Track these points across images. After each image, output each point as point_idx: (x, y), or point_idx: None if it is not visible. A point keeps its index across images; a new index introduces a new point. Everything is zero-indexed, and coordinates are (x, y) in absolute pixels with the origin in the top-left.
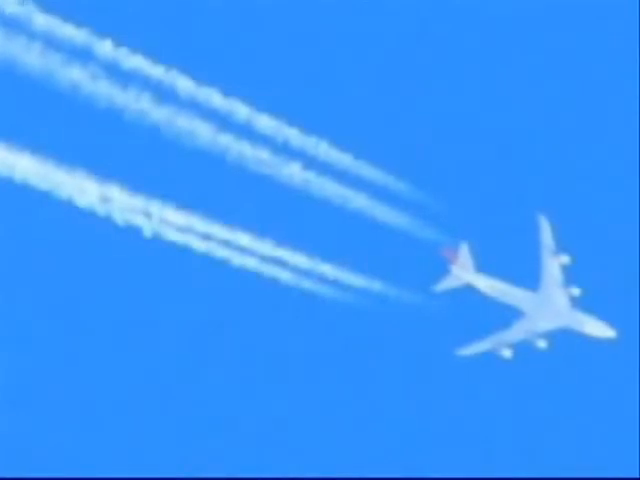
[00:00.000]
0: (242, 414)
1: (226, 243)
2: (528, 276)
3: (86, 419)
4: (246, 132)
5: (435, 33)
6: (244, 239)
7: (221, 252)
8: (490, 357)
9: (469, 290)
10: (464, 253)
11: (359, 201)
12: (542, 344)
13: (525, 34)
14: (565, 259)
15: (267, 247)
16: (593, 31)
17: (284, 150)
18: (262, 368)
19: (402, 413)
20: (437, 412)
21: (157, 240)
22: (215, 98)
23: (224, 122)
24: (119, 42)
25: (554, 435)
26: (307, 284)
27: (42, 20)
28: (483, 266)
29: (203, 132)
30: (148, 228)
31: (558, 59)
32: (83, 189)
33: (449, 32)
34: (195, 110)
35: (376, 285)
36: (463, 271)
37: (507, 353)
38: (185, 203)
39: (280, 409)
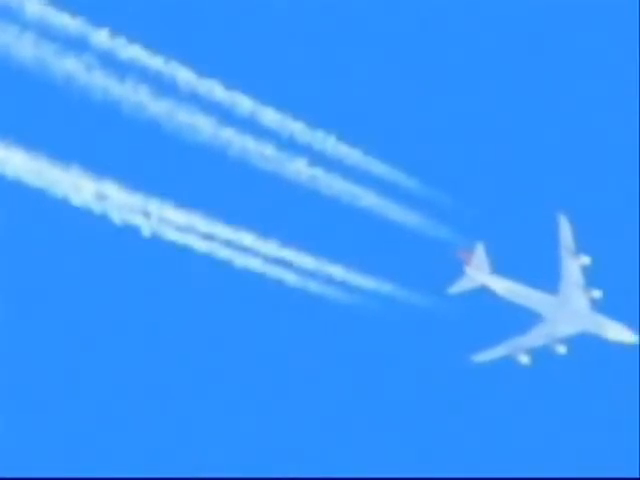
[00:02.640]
0: (245, 422)
1: (228, 243)
2: (547, 278)
3: (82, 421)
4: (249, 126)
5: (452, 25)
6: (247, 239)
7: (223, 253)
8: (507, 363)
9: (484, 293)
10: (479, 254)
11: (369, 199)
12: (561, 349)
13: (543, 27)
14: (586, 260)
15: (272, 247)
16: (612, 22)
17: (289, 145)
18: (266, 374)
19: (414, 422)
20: (451, 421)
21: (156, 240)
22: (217, 90)
23: (226, 116)
24: (116, 31)
25: (559, 436)
26: (314, 286)
27: (35, 8)
28: (499, 267)
29: (204, 126)
30: (147, 227)
31: (580, 51)
32: (78, 186)
33: (465, 25)
34: (196, 103)
35: (386, 287)
36: (478, 272)
37: (525, 359)
38: (185, 201)
39: (286, 417)
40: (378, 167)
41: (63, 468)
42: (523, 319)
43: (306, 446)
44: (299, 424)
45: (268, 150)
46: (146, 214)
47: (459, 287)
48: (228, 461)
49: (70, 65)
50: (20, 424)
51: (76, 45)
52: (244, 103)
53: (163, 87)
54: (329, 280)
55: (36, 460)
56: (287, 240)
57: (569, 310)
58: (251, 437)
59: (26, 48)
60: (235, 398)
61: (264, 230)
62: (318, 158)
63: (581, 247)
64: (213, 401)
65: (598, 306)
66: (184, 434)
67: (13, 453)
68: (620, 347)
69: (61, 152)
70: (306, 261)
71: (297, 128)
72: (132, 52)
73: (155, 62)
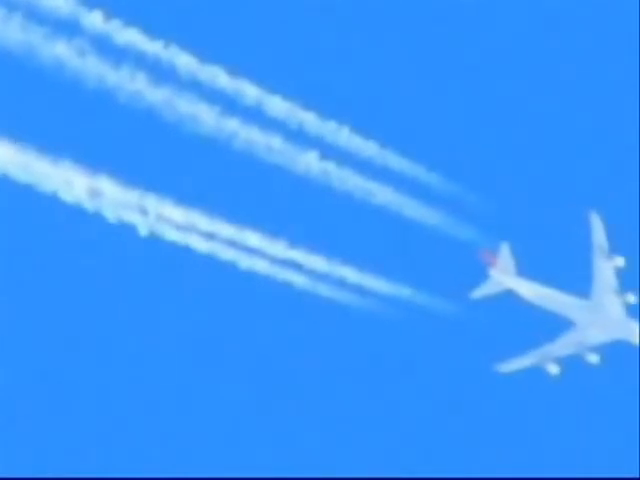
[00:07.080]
0: (250, 428)
1: (232, 243)
2: (578, 281)
3: (78, 422)
4: (255, 116)
5: (479, 14)
6: (253, 238)
7: (227, 253)
8: (534, 373)
9: (510, 297)
10: (505, 255)
11: (385, 195)
12: (594, 358)
13: (576, 16)
14: (620, 261)
15: (279, 248)
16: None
17: (299, 137)
18: (273, 383)
19: (435, 435)
20: (473, 433)
21: (154, 240)
22: (220, 78)
23: (230, 105)
24: (111, 13)
25: (573, 440)
26: (325, 290)
27: None
28: (526, 270)
29: (207, 117)
30: (144, 226)
31: (616, 46)
32: (70, 182)
33: (493, 14)
34: (198, 91)
35: (404, 291)
36: (503, 275)
37: (554, 369)
38: (186, 198)
39: (292, 429)
40: (395, 161)
41: (63, 468)
42: (552, 325)
43: (316, 454)
44: (306, 433)
45: (275, 142)
46: (143, 212)
47: (483, 291)
48: (228, 461)
49: (61, 50)
50: (18, 424)
51: (67, 28)
52: (250, 91)
53: (162, 74)
54: (341, 283)
55: (36, 460)
56: (296, 240)
57: (602, 316)
58: (258, 442)
59: (13, 32)
60: (239, 406)
61: (271, 229)
62: (330, 151)
63: (615, 247)
64: (215, 407)
65: (633, 311)
66: (185, 437)
67: (13, 453)
68: None
69: (51, 144)
70: (317, 262)
71: (307, 118)
72: (128, 36)
73: (153, 47)
